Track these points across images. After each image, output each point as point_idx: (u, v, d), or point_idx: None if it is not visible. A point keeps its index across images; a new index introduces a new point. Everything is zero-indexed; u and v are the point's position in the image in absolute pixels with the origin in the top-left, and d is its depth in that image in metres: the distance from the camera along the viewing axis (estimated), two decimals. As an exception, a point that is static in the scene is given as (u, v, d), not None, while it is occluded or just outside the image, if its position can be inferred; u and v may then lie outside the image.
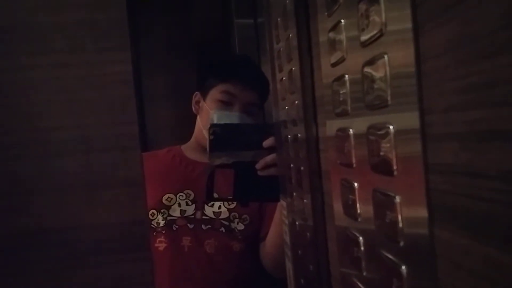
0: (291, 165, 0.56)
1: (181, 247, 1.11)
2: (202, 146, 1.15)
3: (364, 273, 0.34)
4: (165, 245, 1.11)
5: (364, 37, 0.30)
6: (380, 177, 0.29)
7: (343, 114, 0.35)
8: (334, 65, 0.36)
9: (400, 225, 0.27)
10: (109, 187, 0.50)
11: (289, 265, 0.66)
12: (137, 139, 0.50)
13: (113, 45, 0.49)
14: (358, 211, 0.34)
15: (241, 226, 1.13)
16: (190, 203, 1.14)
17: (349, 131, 0.34)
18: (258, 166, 0.81)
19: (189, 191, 1.15)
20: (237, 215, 1.14)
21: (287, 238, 0.66)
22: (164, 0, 1.88)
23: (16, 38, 0.49)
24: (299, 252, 0.57)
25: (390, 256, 0.29)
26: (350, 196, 0.35)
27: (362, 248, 0.34)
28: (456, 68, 0.21)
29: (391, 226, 0.28)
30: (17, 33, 0.49)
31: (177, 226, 1.12)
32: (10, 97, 0.49)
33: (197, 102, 1.22)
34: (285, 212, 0.67)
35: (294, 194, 0.56)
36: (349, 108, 0.34)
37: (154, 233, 1.12)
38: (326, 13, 0.37)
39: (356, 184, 0.34)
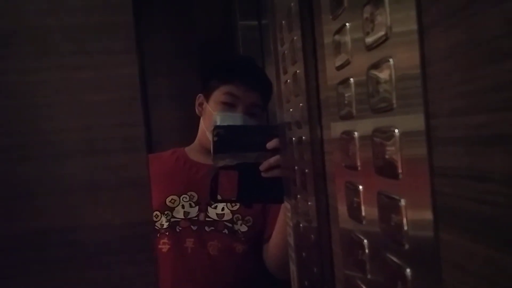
0: (296, 167, 0.56)
1: (184, 248, 1.11)
2: (206, 148, 1.15)
3: (369, 276, 0.34)
4: (169, 246, 1.11)
5: (369, 40, 0.30)
6: (385, 180, 0.29)
7: (348, 117, 0.35)
8: (339, 68, 0.36)
9: (405, 228, 0.27)
10: (114, 188, 0.50)
11: (293, 267, 0.66)
12: (142, 141, 0.50)
13: (119, 48, 0.50)
14: (363, 213, 0.34)
15: (244, 228, 1.13)
16: (194, 205, 1.14)
17: (354, 133, 0.34)
18: (262, 167, 0.81)
19: (193, 193, 1.15)
20: (240, 217, 1.14)
21: (291, 240, 0.66)
22: (169, 2, 1.89)
23: (22, 40, 0.49)
24: (303, 254, 0.57)
25: (395, 259, 0.29)
26: (355, 199, 0.35)
27: (367, 251, 0.34)
28: (461, 72, 0.21)
29: (396, 229, 0.28)
30: (23, 36, 0.49)
31: (180, 228, 1.12)
32: (16, 99, 0.50)
33: (200, 104, 1.22)
34: (289, 214, 0.67)
35: (299, 196, 0.56)
36: (354, 110, 0.34)
37: (158, 235, 1.12)
38: (331, 16, 0.37)
39: (361, 187, 0.34)
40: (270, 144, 0.81)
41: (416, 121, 0.25)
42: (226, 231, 1.12)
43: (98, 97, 0.50)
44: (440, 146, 0.23)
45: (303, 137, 0.50)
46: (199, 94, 1.23)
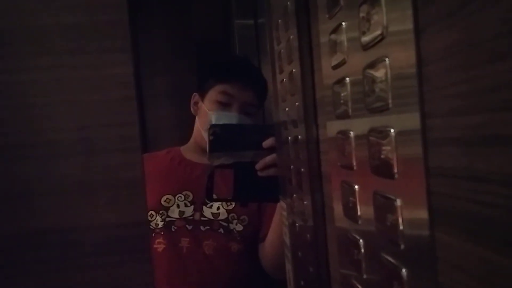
0: (291, 166, 0.56)
1: (179, 248, 1.11)
2: (201, 147, 1.15)
3: (364, 276, 0.34)
4: (164, 246, 1.11)
5: (365, 40, 0.30)
6: (381, 179, 0.29)
7: (344, 116, 0.35)
8: (335, 67, 0.36)
9: (401, 227, 0.27)
10: (109, 188, 0.50)
11: (288, 267, 0.66)
12: (137, 140, 0.50)
13: (114, 47, 0.50)
14: (359, 213, 0.34)
15: (239, 227, 1.13)
16: (189, 204, 1.14)
17: (350, 133, 0.34)
18: (257, 166, 0.81)
19: (188, 192, 1.15)
20: (235, 216, 1.14)
21: (287, 239, 0.66)
22: (165, 1, 1.88)
23: (18, 40, 0.49)
24: (299, 253, 0.57)
25: (391, 259, 0.29)
26: (351, 198, 0.35)
27: (362, 251, 0.34)
28: (457, 72, 0.21)
29: (391, 229, 0.28)
30: (19, 35, 0.49)
31: (175, 227, 1.12)
32: (11, 99, 0.49)
33: (196, 103, 1.22)
34: (285, 213, 0.67)
35: (294, 195, 0.56)
36: (350, 110, 0.34)
37: (153, 234, 1.12)
38: (327, 15, 0.37)
39: (356, 187, 0.34)
40: (266, 143, 0.81)
41: (412, 121, 0.25)
42: (221, 230, 1.12)
43: (94, 96, 0.50)
44: (436, 146, 0.23)
45: (299, 136, 0.50)
46: (194, 93, 1.23)
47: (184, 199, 1.15)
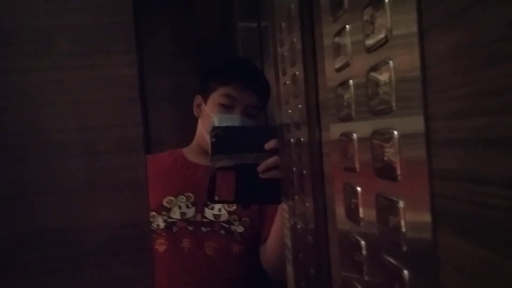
0: (294, 168, 0.56)
1: (181, 249, 1.11)
2: (203, 149, 1.15)
3: (366, 278, 0.34)
4: (165, 247, 1.11)
5: (369, 43, 0.30)
6: (384, 181, 0.29)
7: (347, 119, 0.35)
8: (338, 70, 0.36)
9: (403, 229, 0.27)
10: (112, 189, 0.50)
11: (289, 268, 0.66)
12: (141, 141, 0.50)
13: (118, 48, 0.50)
14: (361, 215, 0.34)
15: (241, 229, 1.13)
16: (191, 206, 1.14)
17: (353, 135, 0.34)
18: (259, 168, 0.81)
19: (190, 194, 1.15)
20: (237, 218, 1.14)
21: (288, 241, 0.66)
22: (168, 3, 1.89)
23: (22, 40, 0.49)
24: (300, 255, 0.57)
25: (393, 261, 0.29)
26: (353, 200, 0.35)
27: (364, 252, 0.34)
28: (461, 75, 0.21)
29: (394, 231, 0.28)
30: (23, 36, 0.49)
31: (177, 228, 1.12)
32: (15, 99, 0.50)
33: (198, 105, 1.22)
34: (286, 215, 0.67)
35: (296, 197, 0.56)
36: (353, 112, 0.34)
37: (154, 235, 1.12)
38: (331, 18, 0.38)
39: (359, 189, 0.34)
40: (269, 145, 0.81)
41: (415, 123, 0.25)
42: (222, 231, 1.12)
43: (97, 97, 0.50)
44: (439, 149, 0.23)
45: (302, 139, 0.50)
46: (197, 95, 1.23)
47: (186, 201, 1.15)
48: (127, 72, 0.50)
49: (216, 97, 1.15)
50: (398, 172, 0.27)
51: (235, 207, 1.14)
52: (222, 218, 1.13)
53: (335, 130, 0.39)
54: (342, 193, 0.38)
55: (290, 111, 0.56)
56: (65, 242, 0.50)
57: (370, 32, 0.30)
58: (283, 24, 0.56)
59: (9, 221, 0.49)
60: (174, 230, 1.12)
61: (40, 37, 0.50)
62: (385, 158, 0.28)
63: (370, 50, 0.30)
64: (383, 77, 0.28)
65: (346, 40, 0.34)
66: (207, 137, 0.98)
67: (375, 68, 0.29)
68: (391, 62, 0.27)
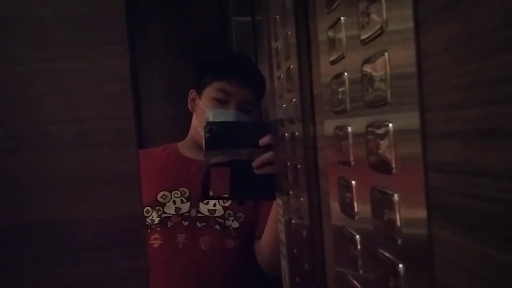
0: (288, 163, 0.56)
1: (175, 244, 1.10)
2: (198, 144, 1.15)
3: (361, 272, 0.34)
4: (160, 242, 1.11)
5: (364, 35, 0.30)
6: (379, 175, 0.29)
7: (342, 112, 0.35)
8: (333, 62, 0.36)
9: (398, 223, 0.27)
10: (104, 182, 0.50)
11: (284, 264, 0.66)
12: (133, 133, 0.50)
13: (110, 39, 0.49)
14: (355, 209, 0.34)
15: (235, 224, 1.13)
16: (185, 201, 1.14)
17: (348, 129, 0.34)
18: (254, 164, 0.81)
19: (184, 189, 1.15)
20: (232, 213, 1.14)
21: (283, 237, 0.66)
22: (161, -3, 1.88)
23: (13, 31, 0.49)
24: (295, 250, 0.56)
25: (388, 255, 0.28)
26: (348, 194, 0.35)
27: (359, 247, 0.34)
28: (457, 65, 0.21)
29: (389, 225, 0.28)
30: (14, 26, 0.49)
31: (171, 223, 1.12)
32: (6, 90, 0.49)
33: (193, 100, 1.21)
34: (281, 211, 0.67)
35: (291, 192, 0.56)
36: (347, 106, 0.34)
37: (149, 230, 1.12)
38: (325, 11, 0.37)
39: (353, 182, 0.34)
40: (263, 141, 0.81)
41: (410, 116, 0.25)
42: (217, 227, 1.12)
43: (89, 89, 0.49)
44: (435, 141, 0.23)
45: (296, 133, 0.50)
46: (192, 90, 1.22)
47: (181, 196, 1.14)
48: (120, 64, 0.49)
49: (210, 91, 1.15)
50: (393, 165, 0.27)
51: (230, 203, 1.14)
52: (217, 214, 1.13)
53: (329, 124, 0.38)
54: (336, 187, 0.38)
55: (284, 105, 0.56)
56: (58, 236, 0.50)
57: (365, 24, 0.29)
58: (277, 17, 0.56)
59: (1, 214, 0.49)
60: (169, 225, 1.12)
61: (32, 27, 0.49)
62: (380, 151, 0.28)
63: (365, 42, 0.30)
64: (378, 69, 0.28)
65: (341, 32, 0.34)
66: (202, 132, 0.98)
67: (370, 60, 0.29)
68: (386, 54, 0.27)
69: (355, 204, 0.34)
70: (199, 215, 1.13)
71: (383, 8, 0.27)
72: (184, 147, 1.24)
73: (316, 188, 0.46)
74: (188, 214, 1.13)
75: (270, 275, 1.10)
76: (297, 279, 0.56)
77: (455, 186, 0.22)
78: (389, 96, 0.27)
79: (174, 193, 1.15)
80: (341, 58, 0.34)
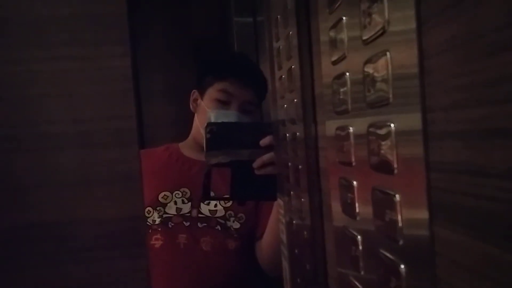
0: (289, 163, 0.56)
1: (177, 244, 1.10)
2: (199, 144, 1.15)
3: (362, 273, 0.34)
4: (161, 242, 1.11)
5: (366, 35, 0.30)
6: (380, 175, 0.29)
7: (343, 113, 0.35)
8: (334, 62, 0.36)
9: (400, 224, 0.27)
10: (105, 182, 0.50)
11: (285, 264, 0.66)
12: (135, 133, 0.50)
13: (112, 39, 0.49)
14: (357, 209, 0.34)
15: (236, 225, 1.13)
16: (186, 201, 1.14)
17: (349, 129, 0.34)
18: (255, 165, 0.81)
19: (185, 189, 1.15)
20: (233, 214, 1.13)
21: (284, 237, 0.65)
22: (162, -3, 1.88)
23: (14, 31, 0.49)
24: (296, 251, 0.56)
25: (389, 255, 0.28)
26: (349, 195, 0.35)
27: (360, 247, 0.34)
28: (459, 65, 0.21)
29: (390, 225, 0.28)
30: (15, 26, 0.49)
31: (172, 224, 1.12)
32: (7, 90, 0.49)
33: (195, 100, 1.22)
34: (282, 211, 0.67)
35: (292, 193, 0.56)
36: (349, 106, 0.34)
37: (150, 231, 1.12)
38: (327, 11, 0.37)
39: (355, 183, 0.34)
40: (264, 142, 0.81)
41: (412, 116, 0.25)
42: (218, 227, 1.12)
43: (90, 89, 0.49)
44: (437, 141, 0.23)
45: (297, 133, 0.50)
46: (194, 90, 1.22)
47: (182, 196, 1.14)
48: (121, 63, 0.49)
49: (212, 92, 1.15)
50: (395, 165, 0.27)
51: (231, 203, 1.14)
52: (218, 214, 1.13)
53: (331, 125, 0.38)
54: (338, 188, 0.37)
55: (285, 105, 0.56)
56: (59, 236, 0.50)
57: (367, 24, 0.29)
58: (279, 17, 0.56)
59: (2, 214, 0.49)
60: (170, 226, 1.12)
61: (33, 27, 0.49)
62: (382, 152, 0.28)
63: (367, 42, 0.30)
64: (380, 69, 0.28)
65: (343, 33, 0.34)
66: (203, 132, 0.98)
67: (372, 60, 0.29)
68: (388, 54, 0.27)
69: (357, 204, 0.34)
70: (200, 215, 1.13)
71: (385, 8, 0.27)
72: (185, 148, 1.24)
73: (317, 188, 0.46)
74: (189, 214, 1.13)
75: (271, 275, 1.10)
76: (298, 280, 0.56)
77: (457, 186, 0.22)
78: (391, 96, 0.27)
79: (175, 194, 1.15)
80: (342, 58, 0.34)
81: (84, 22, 0.49)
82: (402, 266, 0.27)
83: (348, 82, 0.34)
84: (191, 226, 1.12)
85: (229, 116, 1.11)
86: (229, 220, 1.13)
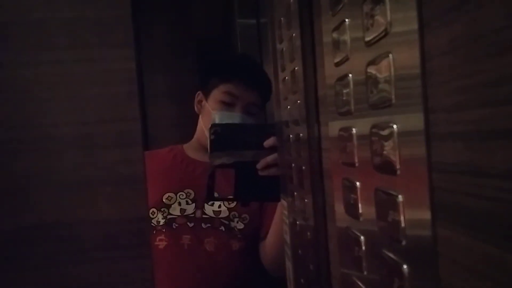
0: (293, 164, 0.56)
1: (181, 245, 1.11)
2: (204, 145, 1.15)
3: (365, 273, 0.34)
4: (165, 243, 1.11)
5: (368, 36, 0.30)
6: (383, 176, 0.29)
7: (346, 114, 0.35)
8: (337, 64, 0.36)
9: (403, 224, 0.27)
10: (110, 183, 0.50)
11: (289, 265, 0.66)
12: (139, 135, 0.50)
13: (116, 41, 0.49)
14: (360, 210, 0.34)
15: (240, 225, 1.13)
16: (190, 202, 1.14)
17: (352, 130, 0.34)
18: (259, 166, 0.81)
19: (190, 190, 1.15)
20: (237, 214, 1.14)
21: (288, 238, 0.66)
22: (167, -1, 1.89)
23: (19, 34, 0.49)
24: (300, 251, 0.57)
25: (392, 256, 0.28)
26: (352, 196, 0.35)
27: (363, 248, 0.34)
28: (461, 66, 0.21)
29: (393, 226, 0.28)
30: (20, 29, 0.49)
31: (176, 225, 1.12)
32: (12, 93, 0.49)
33: (199, 102, 1.22)
34: (285, 212, 0.67)
35: (295, 193, 0.56)
36: (352, 107, 0.34)
37: (154, 232, 1.12)
38: (330, 13, 0.37)
39: (358, 183, 0.34)
40: (268, 143, 0.81)
41: (415, 117, 0.25)
42: (222, 228, 1.12)
43: (95, 91, 0.50)
44: (439, 142, 0.23)
45: (301, 135, 0.50)
46: (198, 92, 1.23)
47: (186, 197, 1.15)
48: (125, 66, 0.49)
49: (217, 94, 1.15)
50: (397, 166, 0.27)
51: (235, 204, 1.14)
52: (222, 215, 1.13)
53: (334, 126, 0.39)
54: (341, 189, 0.38)
55: (289, 107, 0.56)
56: (63, 237, 0.50)
57: (370, 25, 0.29)
58: (282, 19, 0.56)
59: (6, 216, 0.49)
60: (174, 227, 1.12)
61: (37, 30, 0.49)
62: (385, 152, 0.28)
63: (369, 43, 0.30)
64: (383, 70, 0.28)
65: (346, 34, 0.34)
66: (208, 134, 0.98)
67: (374, 62, 0.29)
68: (390, 55, 0.27)
69: (360, 205, 0.34)
70: (204, 216, 1.13)
71: (387, 10, 0.27)
72: (190, 149, 1.25)
73: (320, 189, 0.46)
74: (193, 215, 1.13)
75: (275, 276, 1.10)
76: (302, 280, 0.56)
77: (459, 187, 0.22)
78: (393, 97, 0.27)
79: (179, 195, 1.15)
80: (345, 59, 0.35)
81: (89, 25, 0.49)
82: (405, 266, 0.27)
83: (351, 83, 0.34)
84: (195, 227, 1.12)
85: (234, 117, 1.11)
86: (233, 221, 1.13)
